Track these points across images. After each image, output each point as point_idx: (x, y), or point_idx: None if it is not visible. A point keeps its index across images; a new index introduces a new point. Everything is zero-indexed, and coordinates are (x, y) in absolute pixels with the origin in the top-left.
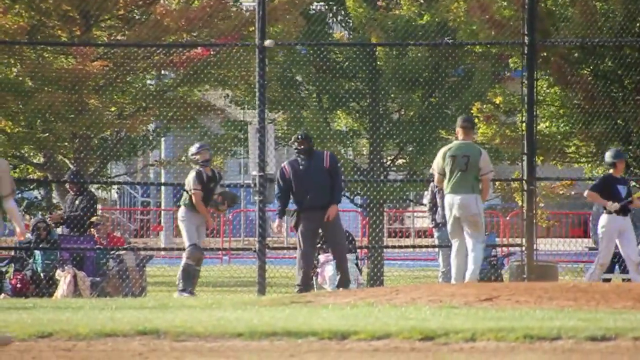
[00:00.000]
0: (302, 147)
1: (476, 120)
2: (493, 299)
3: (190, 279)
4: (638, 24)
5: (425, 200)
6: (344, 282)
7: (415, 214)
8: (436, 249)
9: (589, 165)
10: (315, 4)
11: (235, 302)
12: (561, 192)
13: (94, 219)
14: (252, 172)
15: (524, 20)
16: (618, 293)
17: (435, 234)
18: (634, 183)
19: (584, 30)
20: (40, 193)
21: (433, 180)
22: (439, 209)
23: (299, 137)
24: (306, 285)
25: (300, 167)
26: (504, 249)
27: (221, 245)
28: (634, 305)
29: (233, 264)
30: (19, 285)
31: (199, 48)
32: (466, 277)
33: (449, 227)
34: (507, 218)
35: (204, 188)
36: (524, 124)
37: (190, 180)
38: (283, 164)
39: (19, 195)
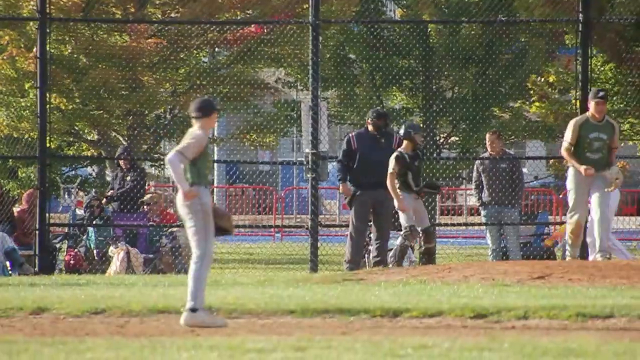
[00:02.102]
0: (379, 122)
1: (531, 93)
2: (545, 277)
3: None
4: None
5: (473, 179)
6: (379, 263)
7: (467, 191)
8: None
9: None
10: None
11: (288, 280)
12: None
13: (146, 197)
14: (304, 150)
15: None
16: None
17: (482, 212)
18: None
19: (639, 7)
20: (94, 170)
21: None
22: (485, 187)
23: (377, 112)
24: (356, 262)
25: (369, 142)
26: (557, 227)
27: (274, 222)
28: None
29: (285, 241)
30: (72, 262)
31: (252, 26)
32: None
33: None
34: (561, 196)
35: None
36: (578, 102)
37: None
38: (352, 133)
39: (73, 173)
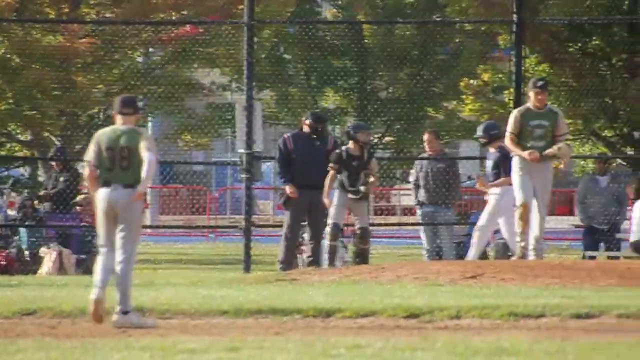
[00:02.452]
0: (315, 126)
1: (464, 96)
2: (478, 277)
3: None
4: (626, 2)
5: (412, 178)
6: (313, 263)
7: (401, 191)
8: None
9: (577, 142)
10: None
11: (221, 280)
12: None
13: (78, 198)
14: (239, 150)
15: None
16: (603, 270)
17: (419, 212)
18: (620, 161)
19: (572, 9)
20: (26, 171)
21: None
22: (421, 187)
23: (315, 115)
24: (289, 263)
25: (305, 143)
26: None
27: (207, 222)
28: (618, 282)
29: (219, 242)
30: (3, 263)
31: (187, 26)
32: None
33: None
34: None
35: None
36: (512, 101)
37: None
38: (287, 134)
39: (5, 173)
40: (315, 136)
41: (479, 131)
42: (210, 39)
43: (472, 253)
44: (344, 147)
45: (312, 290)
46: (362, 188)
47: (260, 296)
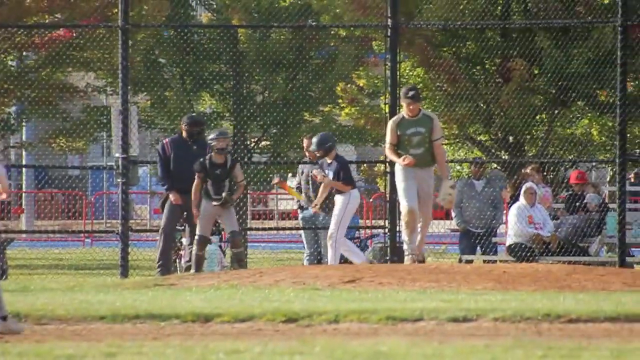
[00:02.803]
0: (192, 129)
1: (340, 101)
2: (356, 281)
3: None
4: (499, 7)
5: (294, 183)
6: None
7: (279, 196)
8: (300, 231)
9: (451, 147)
10: None
11: (98, 285)
12: None
13: None
14: (115, 155)
15: (387, 2)
16: (479, 274)
17: (300, 216)
18: (495, 165)
19: (446, 13)
20: None
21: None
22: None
23: (192, 119)
24: (167, 267)
25: (183, 147)
26: (367, 230)
27: (83, 227)
28: (494, 286)
29: (95, 247)
30: None
31: (61, 29)
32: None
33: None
34: (370, 200)
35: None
36: (387, 106)
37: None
38: (165, 139)
39: None
40: (192, 140)
41: (314, 145)
42: (84, 43)
43: (330, 259)
44: (207, 155)
45: (190, 295)
46: (224, 195)
47: (138, 301)
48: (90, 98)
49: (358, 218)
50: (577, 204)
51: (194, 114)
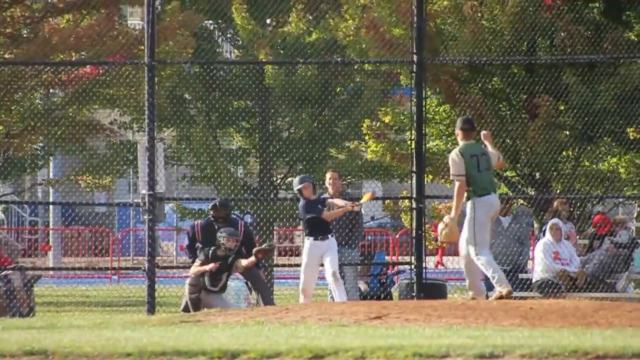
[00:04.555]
0: (219, 214)
1: (366, 137)
2: (382, 317)
3: None
4: (525, 43)
5: None
6: None
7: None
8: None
9: None
10: (205, 22)
11: (125, 322)
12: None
13: None
14: (141, 191)
15: (412, 38)
16: (505, 310)
17: None
18: (521, 201)
19: (472, 49)
20: None
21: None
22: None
23: (217, 205)
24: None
25: (211, 232)
26: (394, 267)
27: (110, 264)
28: (521, 322)
29: (122, 284)
30: None
31: (87, 66)
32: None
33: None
34: (397, 236)
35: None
36: (413, 142)
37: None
38: (197, 222)
39: None
40: (220, 224)
41: (295, 184)
42: (111, 80)
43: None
44: (213, 247)
45: (216, 331)
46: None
47: (165, 338)
48: (116, 135)
49: (384, 254)
50: (599, 241)
51: (218, 199)
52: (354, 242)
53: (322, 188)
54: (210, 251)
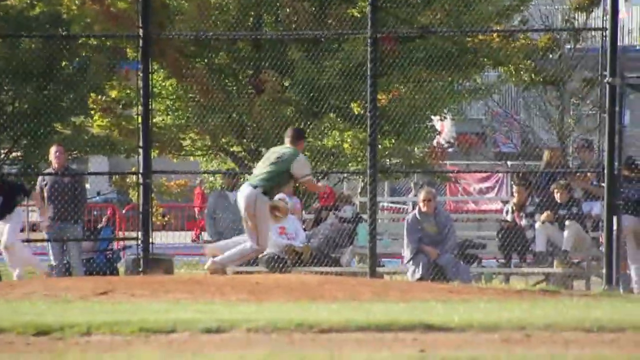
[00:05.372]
0: None
1: (93, 112)
2: (109, 293)
3: None
4: (251, 19)
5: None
6: None
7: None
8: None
9: (204, 158)
10: None
11: None
12: (178, 189)
13: None
14: None
15: (138, 12)
16: (233, 285)
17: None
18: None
19: (198, 24)
20: None
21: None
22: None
23: None
24: None
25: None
26: (120, 242)
27: None
28: (248, 297)
29: None
30: None
31: None
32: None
33: None
34: (124, 211)
35: None
36: (139, 117)
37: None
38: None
39: None
40: None
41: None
42: None
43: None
44: None
45: None
46: None
47: None
48: None
49: (111, 230)
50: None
51: None
52: (79, 217)
53: (47, 162)
54: None
